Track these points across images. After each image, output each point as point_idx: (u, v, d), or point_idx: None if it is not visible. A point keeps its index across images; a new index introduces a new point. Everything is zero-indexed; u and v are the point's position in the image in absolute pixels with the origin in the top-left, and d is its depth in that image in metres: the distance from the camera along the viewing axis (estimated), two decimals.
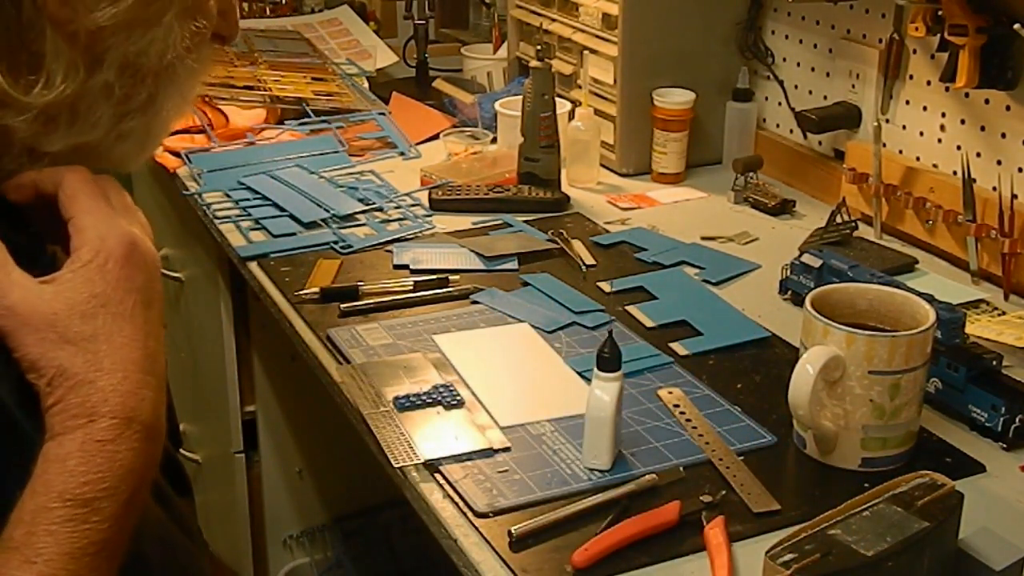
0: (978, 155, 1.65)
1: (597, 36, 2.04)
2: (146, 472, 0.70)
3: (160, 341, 0.74)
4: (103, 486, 0.67)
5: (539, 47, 1.91)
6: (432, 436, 1.23)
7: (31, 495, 0.66)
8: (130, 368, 0.70)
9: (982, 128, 1.65)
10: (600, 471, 1.17)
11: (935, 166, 1.74)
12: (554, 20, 2.16)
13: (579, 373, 1.36)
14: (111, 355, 0.69)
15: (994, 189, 1.60)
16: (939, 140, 1.72)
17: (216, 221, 1.81)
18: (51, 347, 0.68)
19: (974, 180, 1.63)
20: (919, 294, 1.24)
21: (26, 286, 0.69)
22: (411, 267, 1.64)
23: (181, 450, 0.93)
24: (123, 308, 0.71)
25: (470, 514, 1.11)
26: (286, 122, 2.18)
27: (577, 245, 1.72)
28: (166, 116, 0.78)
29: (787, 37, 2.01)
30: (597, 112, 2.01)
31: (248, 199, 1.86)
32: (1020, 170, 1.60)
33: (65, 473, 0.67)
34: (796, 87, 2.00)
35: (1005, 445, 1.23)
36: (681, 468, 1.18)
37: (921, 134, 1.75)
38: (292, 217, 1.80)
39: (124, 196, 0.76)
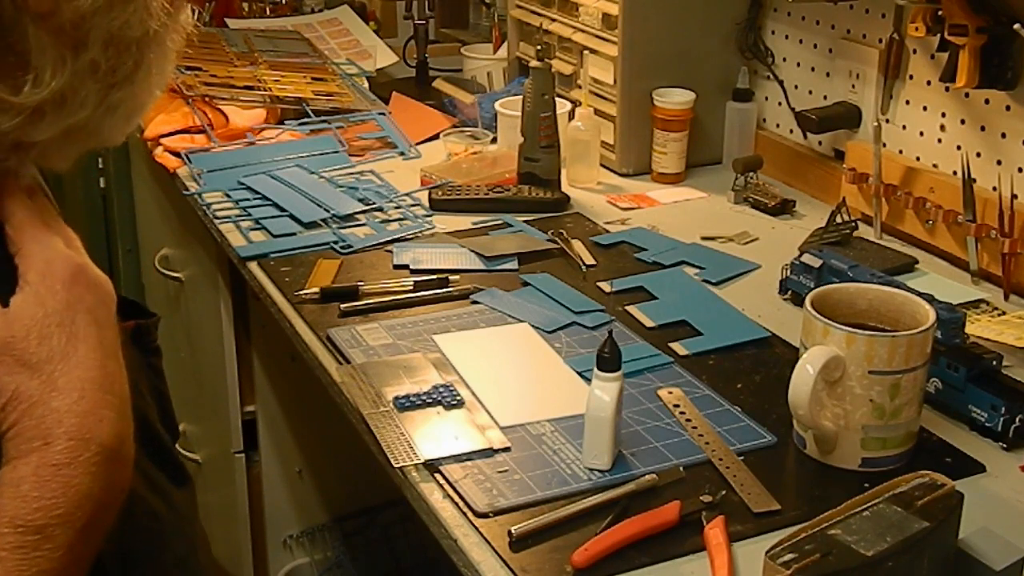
0: (978, 155, 1.65)
1: (597, 36, 2.04)
2: (106, 497, 0.68)
3: (120, 363, 0.72)
4: (56, 512, 0.65)
5: (539, 47, 1.91)
6: (432, 436, 1.23)
7: None
8: (87, 387, 0.68)
9: (982, 128, 1.65)
10: (600, 471, 1.17)
11: (935, 166, 1.74)
12: (554, 20, 2.16)
13: (579, 373, 1.36)
14: (66, 374, 0.68)
15: (994, 189, 1.60)
16: (939, 140, 1.72)
17: (216, 221, 1.81)
18: (6, 370, 0.67)
19: (974, 180, 1.63)
20: (919, 294, 1.24)
21: None
22: (411, 267, 1.64)
23: (181, 450, 0.93)
24: (75, 328, 0.69)
25: (470, 514, 1.11)
26: (286, 122, 2.18)
27: (577, 245, 1.72)
28: (152, 83, 0.76)
29: (787, 37, 2.01)
30: (597, 112, 2.01)
31: (248, 199, 1.86)
32: (1020, 170, 1.60)
33: (18, 498, 0.65)
34: (796, 87, 2.00)
35: (1005, 445, 1.23)
36: (681, 468, 1.18)
37: (921, 134, 1.75)
38: (292, 217, 1.80)
39: (66, 229, 0.74)
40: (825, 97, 1.93)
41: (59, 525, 0.65)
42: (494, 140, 2.11)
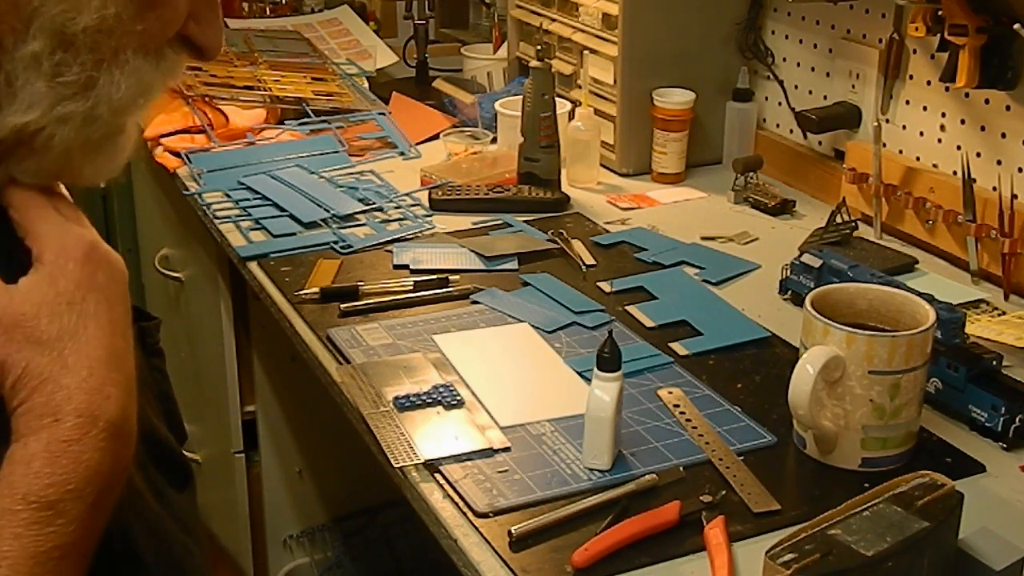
0: (978, 155, 1.65)
1: (597, 36, 2.04)
2: (113, 473, 0.69)
3: (129, 340, 0.73)
4: (68, 487, 0.66)
5: (539, 47, 1.91)
6: (432, 436, 1.23)
7: None
8: (95, 365, 0.69)
9: (982, 128, 1.65)
10: (600, 471, 1.17)
11: (935, 166, 1.74)
12: (554, 20, 2.16)
13: (579, 373, 1.36)
14: (76, 352, 0.69)
15: (994, 189, 1.60)
16: (939, 140, 1.72)
17: (216, 221, 1.81)
18: (17, 347, 0.67)
19: (974, 180, 1.63)
20: (919, 294, 1.24)
21: None
22: (411, 267, 1.64)
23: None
24: (86, 306, 0.70)
25: (470, 514, 1.11)
26: (286, 122, 2.18)
27: (577, 245, 1.72)
28: (112, 109, 0.73)
29: (787, 37, 2.01)
30: (597, 112, 2.01)
31: (248, 199, 1.86)
32: (1020, 170, 1.60)
33: (30, 475, 0.66)
34: (796, 87, 2.00)
35: (1005, 445, 1.23)
36: (681, 468, 1.18)
37: (921, 134, 1.75)
38: (292, 217, 1.80)
39: (74, 208, 0.75)
40: (825, 97, 1.93)
41: (71, 500, 0.66)
42: (494, 140, 2.11)
